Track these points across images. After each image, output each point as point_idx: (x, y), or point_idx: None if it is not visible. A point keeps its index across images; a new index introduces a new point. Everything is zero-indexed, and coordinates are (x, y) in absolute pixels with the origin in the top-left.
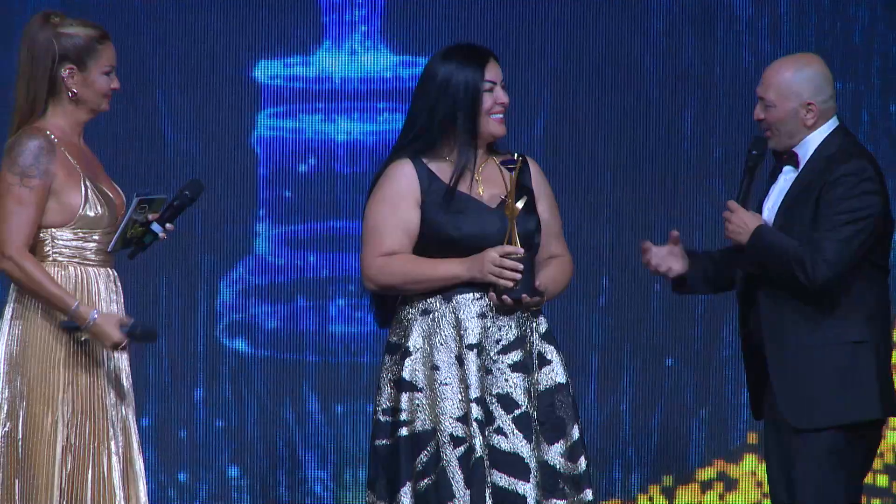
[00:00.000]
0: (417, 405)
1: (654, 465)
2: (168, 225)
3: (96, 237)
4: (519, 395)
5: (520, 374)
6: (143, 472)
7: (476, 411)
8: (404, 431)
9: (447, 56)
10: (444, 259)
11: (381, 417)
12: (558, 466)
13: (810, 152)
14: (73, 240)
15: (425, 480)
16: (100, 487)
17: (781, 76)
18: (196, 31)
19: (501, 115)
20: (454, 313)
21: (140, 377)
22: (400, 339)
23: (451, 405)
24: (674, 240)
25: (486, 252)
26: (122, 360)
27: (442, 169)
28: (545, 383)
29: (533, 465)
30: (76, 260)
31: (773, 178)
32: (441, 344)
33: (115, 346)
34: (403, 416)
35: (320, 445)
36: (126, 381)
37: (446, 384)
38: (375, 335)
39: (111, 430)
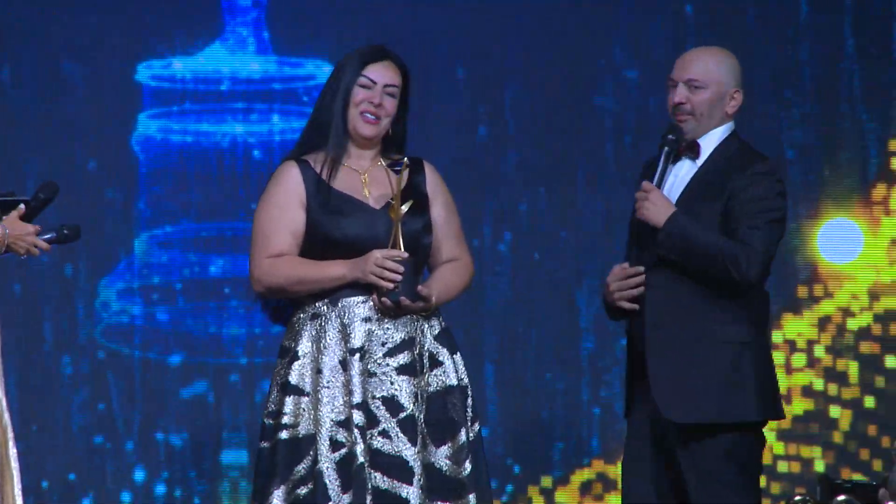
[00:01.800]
0: (302, 409)
1: (532, 467)
2: None
3: None
4: (404, 399)
5: (406, 377)
6: (17, 470)
7: (358, 417)
8: (284, 435)
9: (345, 56)
10: (330, 261)
11: (265, 420)
12: (444, 469)
13: (713, 146)
14: None
15: (306, 487)
16: None
17: (711, 59)
18: (79, 29)
19: (372, 116)
20: (340, 317)
21: (19, 376)
22: (290, 343)
23: (330, 409)
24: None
25: (369, 253)
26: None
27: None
28: (436, 385)
29: (417, 467)
30: None
31: (650, 169)
32: (326, 348)
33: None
34: (286, 420)
35: (212, 446)
36: (1, 378)
37: (327, 387)
38: (256, 337)
39: None
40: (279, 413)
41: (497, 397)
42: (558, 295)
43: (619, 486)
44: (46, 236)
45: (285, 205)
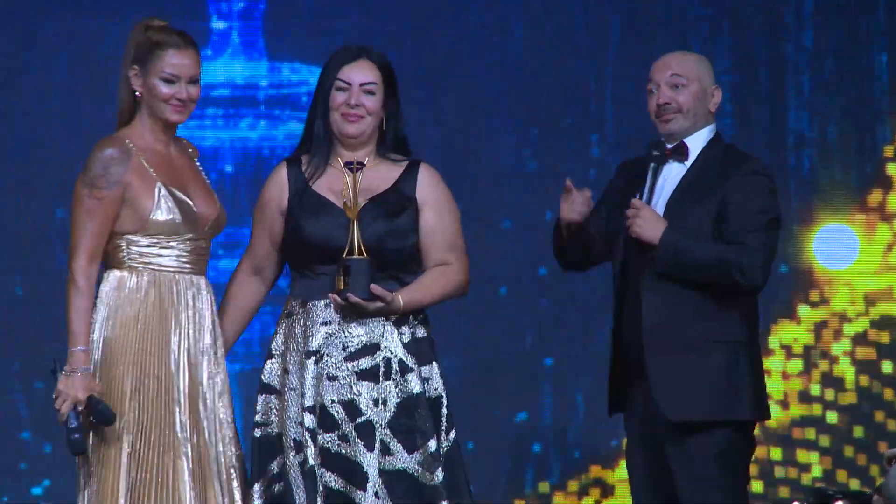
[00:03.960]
0: (271, 408)
1: (530, 472)
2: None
3: (173, 244)
4: (363, 403)
5: (366, 383)
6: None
7: (309, 420)
8: (257, 433)
9: (328, 59)
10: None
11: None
12: (416, 475)
13: (700, 147)
14: (147, 246)
15: (278, 485)
16: (163, 496)
17: (689, 57)
18: (68, 34)
19: (355, 117)
20: (304, 319)
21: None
22: (272, 342)
23: (295, 411)
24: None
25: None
26: (204, 364)
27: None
28: (404, 392)
29: (373, 474)
30: (151, 266)
31: (628, 171)
32: (292, 348)
33: (71, 405)
34: (258, 418)
35: None
36: (222, 383)
37: (293, 388)
38: None
39: (180, 440)
40: (255, 412)
41: (493, 401)
42: (545, 296)
43: (617, 491)
44: (91, 406)
45: (265, 209)
